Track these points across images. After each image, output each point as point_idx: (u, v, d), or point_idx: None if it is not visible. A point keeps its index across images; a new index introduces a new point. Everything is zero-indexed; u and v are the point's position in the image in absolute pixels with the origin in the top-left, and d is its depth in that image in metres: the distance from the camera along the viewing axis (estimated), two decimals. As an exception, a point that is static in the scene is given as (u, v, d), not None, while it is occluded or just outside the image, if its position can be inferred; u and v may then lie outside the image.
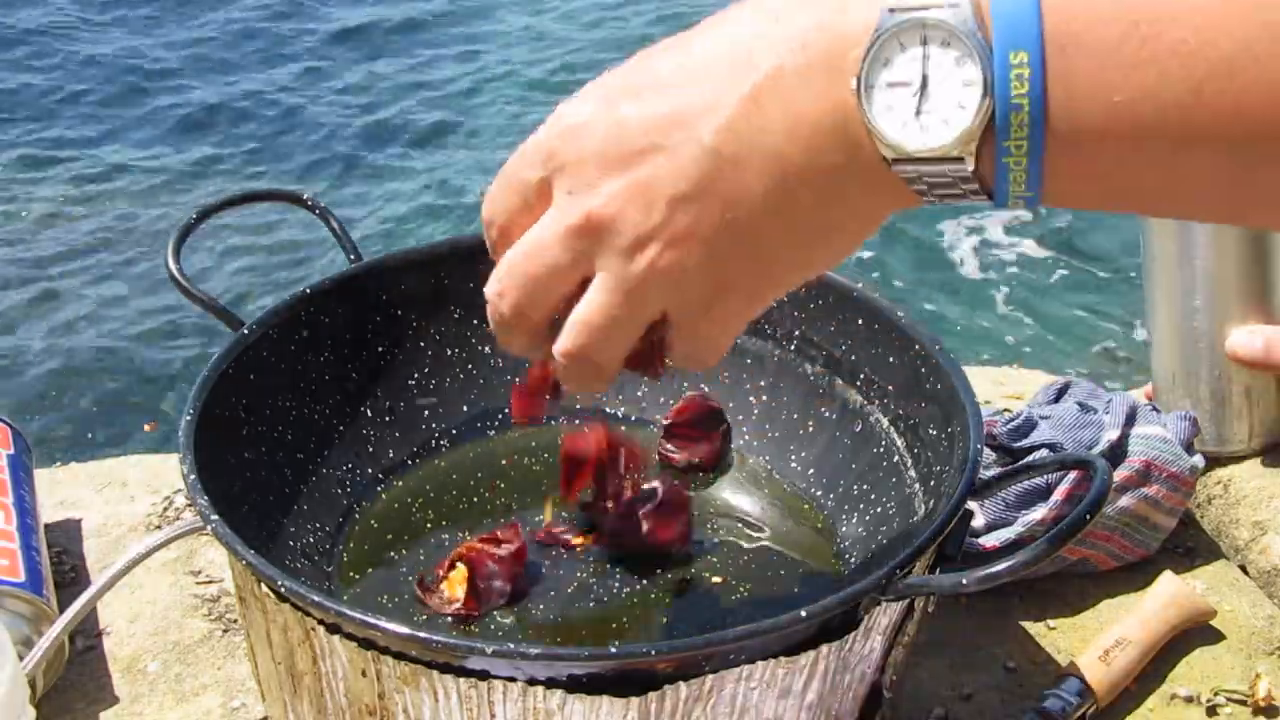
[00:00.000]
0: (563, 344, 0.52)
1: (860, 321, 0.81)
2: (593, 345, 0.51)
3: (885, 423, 0.80)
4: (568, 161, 0.49)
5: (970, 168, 0.42)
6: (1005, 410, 0.94)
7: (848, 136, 0.44)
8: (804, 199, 0.46)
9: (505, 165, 0.52)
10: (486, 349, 0.88)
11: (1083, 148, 0.41)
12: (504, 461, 0.84)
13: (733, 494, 0.83)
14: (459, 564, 0.73)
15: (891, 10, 0.42)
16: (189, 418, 0.69)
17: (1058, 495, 0.82)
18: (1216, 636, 0.84)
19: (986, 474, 0.71)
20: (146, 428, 2.80)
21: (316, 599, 0.57)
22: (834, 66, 0.43)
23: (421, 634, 0.56)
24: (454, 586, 0.73)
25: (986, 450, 0.84)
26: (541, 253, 0.50)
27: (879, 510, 0.77)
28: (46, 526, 0.90)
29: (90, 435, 2.79)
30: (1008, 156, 0.42)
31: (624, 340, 0.51)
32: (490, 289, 0.54)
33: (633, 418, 0.88)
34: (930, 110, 0.42)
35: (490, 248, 0.55)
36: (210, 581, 0.88)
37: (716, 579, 0.75)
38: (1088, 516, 0.60)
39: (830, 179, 0.45)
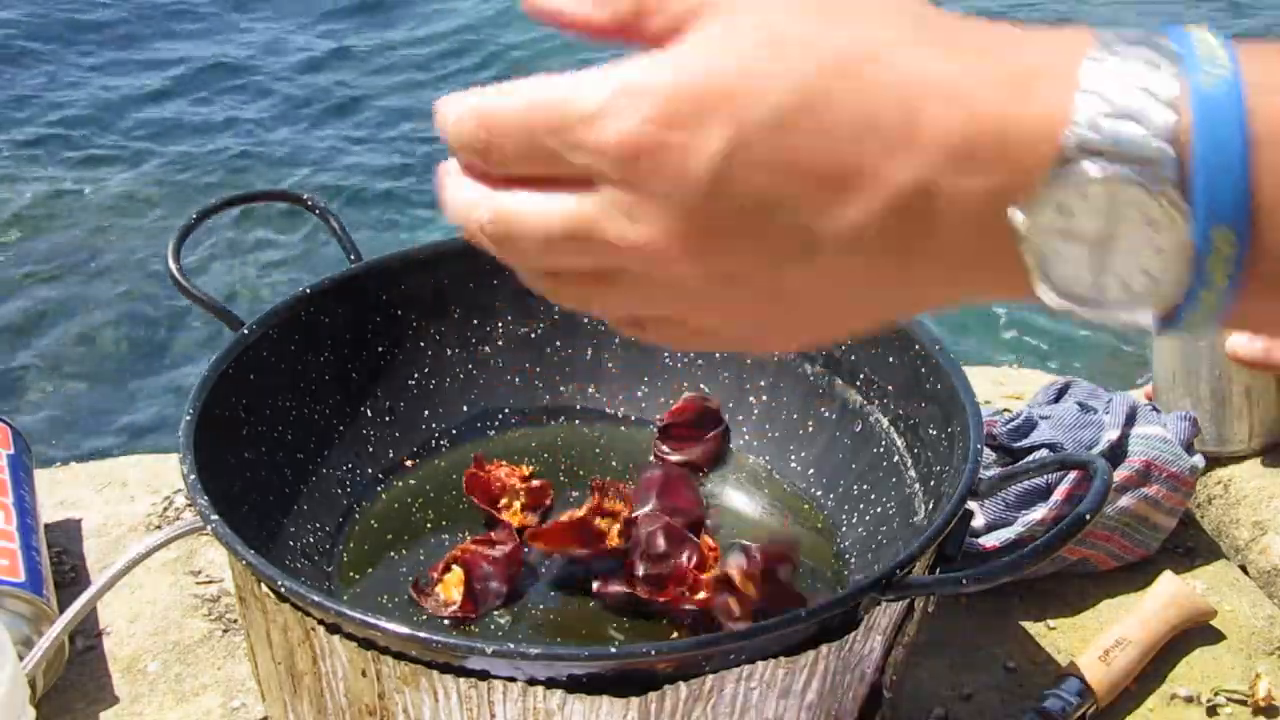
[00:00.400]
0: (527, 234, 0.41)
1: (860, 321, 0.81)
2: (582, 306, 0.44)
3: (885, 423, 0.80)
4: (645, 186, 0.38)
5: (1149, 323, 0.38)
6: (1005, 410, 0.94)
7: (998, 263, 0.37)
8: (916, 294, 0.40)
9: (535, 101, 0.39)
10: (486, 349, 0.88)
11: (1273, 306, 0.37)
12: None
13: (733, 494, 0.83)
14: (454, 566, 0.73)
15: (1079, 150, 0.35)
16: (189, 418, 0.69)
17: (1058, 495, 0.82)
18: (1216, 636, 0.84)
19: (986, 474, 0.71)
20: (165, 409, 2.80)
21: (316, 599, 0.57)
22: (998, 193, 0.36)
23: (421, 634, 0.56)
24: (450, 589, 0.72)
25: (986, 450, 0.84)
26: (562, 245, 0.40)
27: (879, 510, 0.77)
28: (46, 526, 0.90)
29: (90, 435, 2.78)
30: (1189, 323, 0.37)
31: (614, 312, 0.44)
32: (480, 219, 0.41)
33: (632, 418, 0.88)
34: (1113, 272, 0.37)
35: (453, 147, 0.42)
36: (210, 581, 0.88)
37: (716, 579, 0.75)
38: (1088, 516, 0.60)
39: (959, 288, 0.40)
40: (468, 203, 0.42)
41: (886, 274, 0.38)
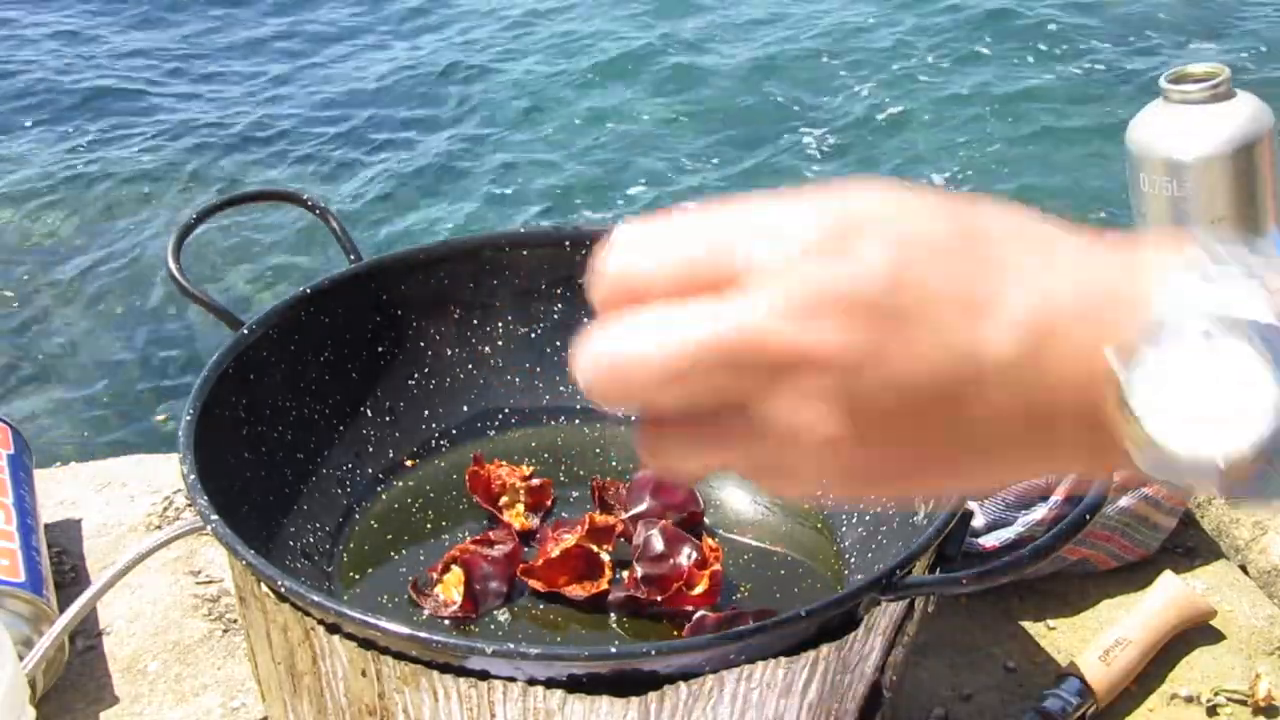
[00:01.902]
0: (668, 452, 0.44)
1: (860, 321, 0.81)
2: (687, 461, 0.44)
3: (885, 423, 0.79)
4: (812, 284, 0.39)
5: (1221, 480, 0.39)
6: (1005, 410, 0.94)
7: (1098, 406, 0.40)
8: (1020, 446, 0.42)
9: (710, 216, 0.41)
10: (486, 349, 0.88)
11: None
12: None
13: (733, 494, 0.83)
14: (454, 566, 0.73)
15: (1181, 300, 0.38)
16: (189, 418, 0.69)
17: (1058, 495, 0.82)
18: (1216, 636, 0.84)
19: (986, 474, 0.71)
20: (164, 410, 2.80)
21: (316, 599, 0.57)
22: (1106, 338, 0.39)
23: (422, 634, 0.56)
24: (449, 589, 0.72)
25: (986, 450, 0.84)
26: (735, 347, 0.39)
27: (879, 510, 0.77)
28: (46, 526, 0.90)
29: (90, 435, 2.78)
30: (1267, 482, 0.39)
31: (717, 466, 0.44)
32: (601, 362, 0.41)
33: (633, 418, 0.88)
34: (1202, 417, 0.39)
35: (600, 297, 0.41)
36: (210, 581, 0.88)
37: (716, 579, 0.75)
38: (1088, 517, 0.60)
39: (1053, 437, 0.42)
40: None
41: (1005, 403, 0.40)
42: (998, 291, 0.40)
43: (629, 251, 0.41)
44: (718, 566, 0.72)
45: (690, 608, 0.71)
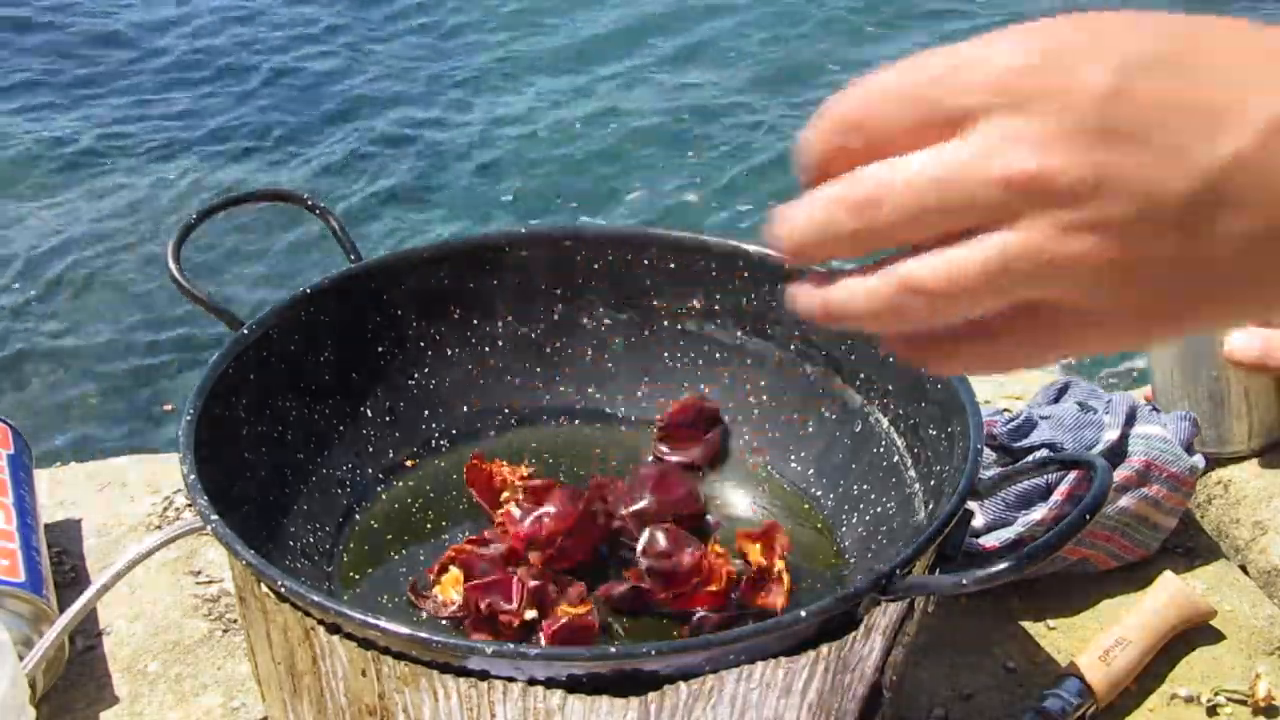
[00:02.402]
0: (926, 272, 0.42)
1: (860, 321, 0.81)
2: (954, 292, 0.42)
3: (885, 423, 0.80)
4: (1035, 110, 0.39)
5: None
6: (1005, 410, 0.94)
7: None
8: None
9: (909, 68, 0.42)
10: (486, 349, 0.88)
11: None
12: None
13: (733, 494, 0.83)
14: (451, 566, 0.73)
15: None
16: (189, 418, 0.69)
17: (1058, 495, 0.82)
18: (1216, 636, 0.84)
19: (986, 474, 0.71)
20: (166, 407, 2.80)
21: (316, 599, 0.57)
22: None
23: (422, 634, 0.56)
24: (448, 589, 0.73)
25: (986, 450, 0.84)
26: (960, 183, 0.40)
27: (879, 510, 0.77)
28: (46, 526, 0.90)
29: (90, 435, 2.78)
30: None
31: (984, 304, 0.43)
32: (861, 192, 0.41)
33: (632, 418, 0.88)
34: None
35: (822, 147, 0.42)
36: (210, 581, 0.88)
37: (716, 579, 0.75)
38: (1088, 516, 0.60)
39: None
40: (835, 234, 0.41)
41: (1267, 210, 0.39)
42: (1237, 99, 0.38)
43: (847, 112, 0.41)
44: (730, 567, 0.73)
45: (700, 608, 0.71)
